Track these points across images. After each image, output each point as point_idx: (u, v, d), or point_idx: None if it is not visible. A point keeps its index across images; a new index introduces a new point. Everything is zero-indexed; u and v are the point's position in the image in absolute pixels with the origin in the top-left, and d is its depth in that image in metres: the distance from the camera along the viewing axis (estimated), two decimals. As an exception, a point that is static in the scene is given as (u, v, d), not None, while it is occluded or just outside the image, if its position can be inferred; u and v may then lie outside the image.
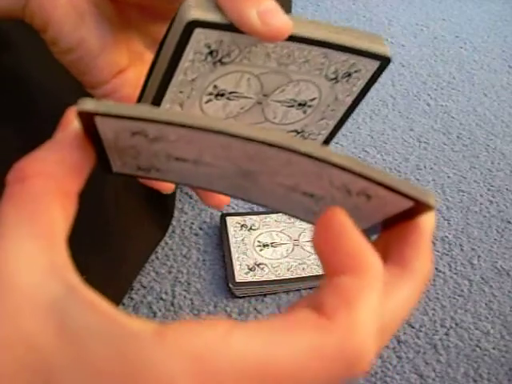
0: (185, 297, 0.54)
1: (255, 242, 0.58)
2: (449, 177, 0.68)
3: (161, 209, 0.58)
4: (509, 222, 0.62)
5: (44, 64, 0.42)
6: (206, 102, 0.35)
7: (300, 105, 0.39)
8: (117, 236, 0.51)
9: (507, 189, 0.66)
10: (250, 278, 0.54)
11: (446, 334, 0.51)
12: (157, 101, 0.33)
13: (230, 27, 0.29)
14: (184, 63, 0.31)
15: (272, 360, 0.19)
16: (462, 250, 0.59)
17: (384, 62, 0.32)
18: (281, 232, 0.59)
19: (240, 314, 0.52)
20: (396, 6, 1.06)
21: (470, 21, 1.02)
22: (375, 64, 0.33)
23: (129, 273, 0.54)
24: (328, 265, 0.21)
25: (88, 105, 0.20)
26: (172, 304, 0.53)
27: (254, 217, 0.61)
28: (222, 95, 0.36)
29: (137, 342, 0.18)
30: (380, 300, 0.20)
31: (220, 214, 0.61)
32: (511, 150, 0.72)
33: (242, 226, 0.59)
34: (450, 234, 0.61)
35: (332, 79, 0.37)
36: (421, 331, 0.51)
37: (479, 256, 0.58)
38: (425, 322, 0.52)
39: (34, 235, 0.20)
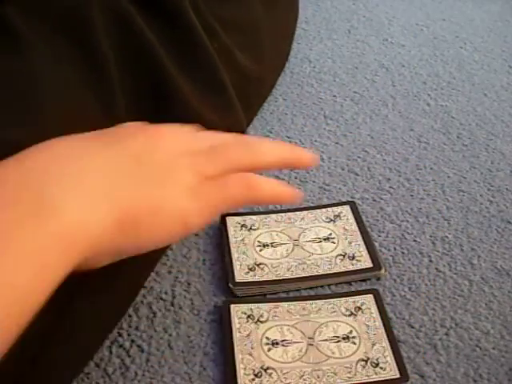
0: (185, 297, 0.54)
1: (255, 241, 0.58)
2: (449, 177, 0.68)
3: None
4: (509, 222, 0.62)
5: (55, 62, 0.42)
6: (268, 350, 0.47)
7: (343, 338, 0.48)
8: None
9: (507, 189, 0.66)
10: (249, 278, 0.54)
11: (446, 334, 0.51)
12: None
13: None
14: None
15: None
16: (462, 250, 0.59)
17: None
18: (281, 232, 0.59)
19: (240, 313, 0.52)
20: (396, 5, 1.06)
21: (470, 21, 1.02)
22: None
23: (136, 273, 0.53)
24: None
25: None
26: (172, 304, 0.53)
27: (253, 217, 0.61)
28: (277, 343, 0.47)
29: None
30: None
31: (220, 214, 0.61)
32: (511, 150, 0.72)
33: (242, 226, 0.59)
34: (449, 234, 0.61)
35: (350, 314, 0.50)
36: (421, 331, 0.51)
37: (479, 256, 0.58)
38: (425, 322, 0.52)
39: None
